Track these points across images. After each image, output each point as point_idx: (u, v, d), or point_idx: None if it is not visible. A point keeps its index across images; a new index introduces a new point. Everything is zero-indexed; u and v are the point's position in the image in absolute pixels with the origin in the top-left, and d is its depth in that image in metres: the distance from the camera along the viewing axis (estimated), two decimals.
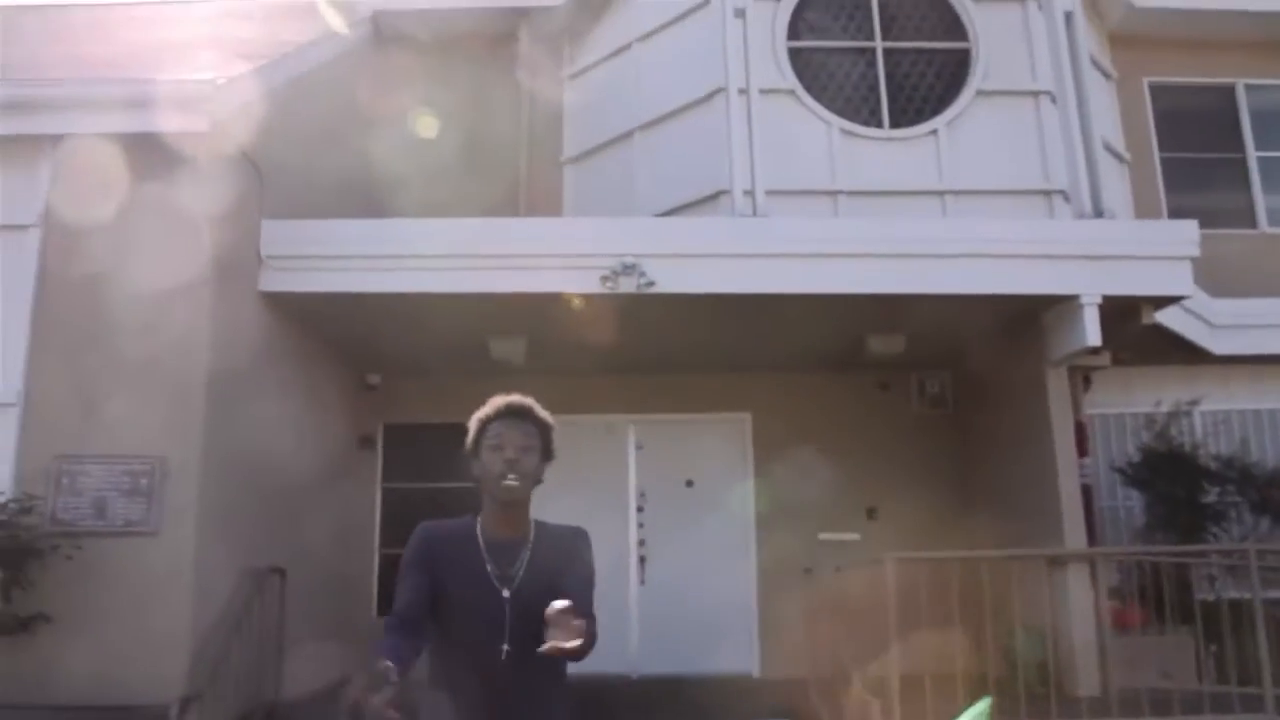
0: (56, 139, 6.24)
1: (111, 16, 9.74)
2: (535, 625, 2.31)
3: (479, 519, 2.65)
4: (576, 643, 2.22)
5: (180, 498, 5.85)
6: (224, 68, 6.65)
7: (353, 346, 8.27)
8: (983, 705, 2.30)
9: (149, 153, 6.12)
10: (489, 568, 2.56)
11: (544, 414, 2.70)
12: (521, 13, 9.58)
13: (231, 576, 6.18)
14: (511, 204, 9.44)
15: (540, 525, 2.70)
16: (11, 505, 5.53)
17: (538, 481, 2.65)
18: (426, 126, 9.35)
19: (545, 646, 2.22)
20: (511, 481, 2.58)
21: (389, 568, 8.96)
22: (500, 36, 9.73)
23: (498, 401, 2.70)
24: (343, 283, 6.89)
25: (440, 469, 9.05)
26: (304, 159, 7.61)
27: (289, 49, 7.47)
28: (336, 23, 8.37)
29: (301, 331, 7.44)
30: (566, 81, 9.76)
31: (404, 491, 9.12)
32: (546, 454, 2.69)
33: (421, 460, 9.11)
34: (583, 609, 2.37)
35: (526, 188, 9.52)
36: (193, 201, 6.18)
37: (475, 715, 2.51)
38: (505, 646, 2.50)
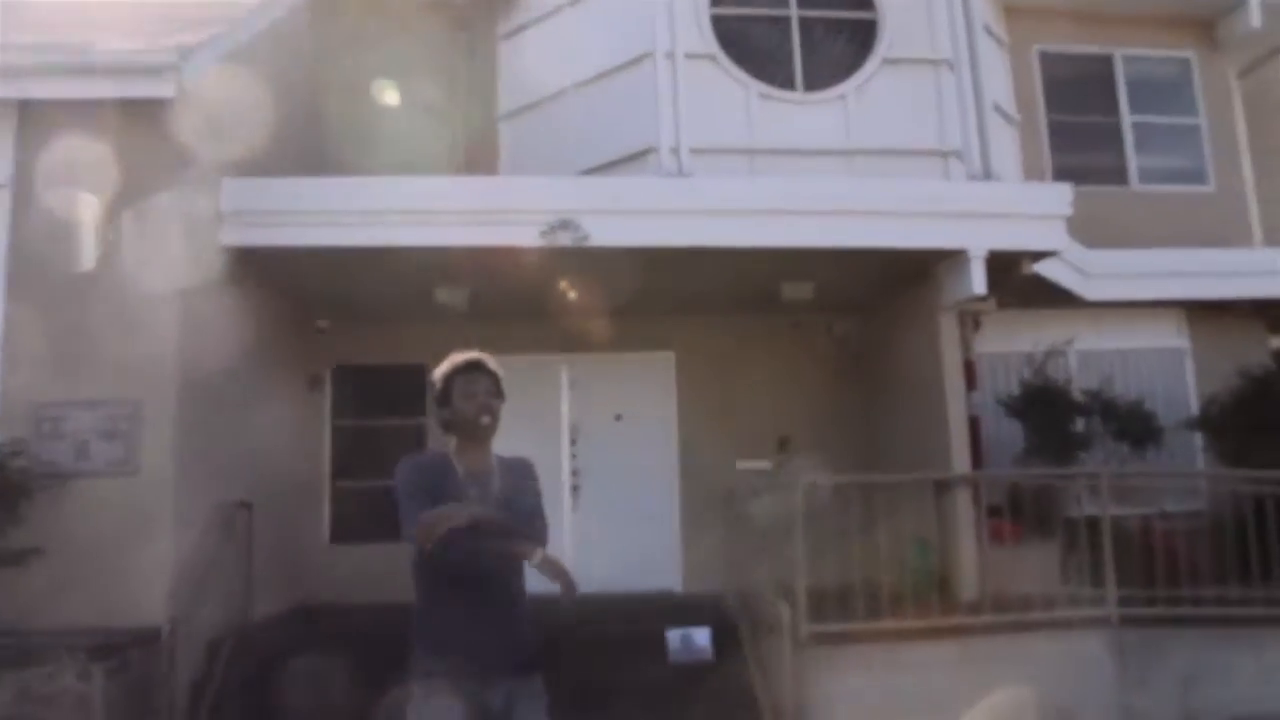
0: (24, 103, 6.44)
1: None
2: (500, 539, 2.99)
3: (451, 454, 3.21)
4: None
5: (157, 439, 6.24)
6: (185, 32, 6.90)
7: (304, 294, 8.62)
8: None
9: (117, 116, 6.38)
10: (471, 491, 3.13)
11: (494, 365, 3.29)
12: None
13: (204, 510, 6.62)
14: (449, 158, 9.79)
15: (499, 457, 3.28)
16: (3, 449, 5.86)
17: (497, 424, 3.24)
18: (371, 84, 9.62)
19: (537, 559, 2.85)
20: (485, 420, 3.18)
21: (339, 499, 9.46)
22: None
23: (460, 358, 3.26)
24: (298, 237, 7.22)
25: (384, 407, 9.59)
26: (258, 117, 7.86)
27: (241, 12, 7.67)
28: None
29: (258, 281, 7.78)
30: (501, 41, 10.08)
31: (351, 428, 9.57)
32: (501, 396, 3.27)
33: (367, 399, 9.57)
34: (538, 517, 3.15)
35: (464, 142, 9.87)
36: (159, 162, 6.47)
37: (464, 616, 3.07)
38: (486, 557, 3.04)
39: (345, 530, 9.40)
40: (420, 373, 9.53)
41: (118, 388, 6.26)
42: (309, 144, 9.20)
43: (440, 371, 3.25)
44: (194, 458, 6.50)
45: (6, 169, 6.46)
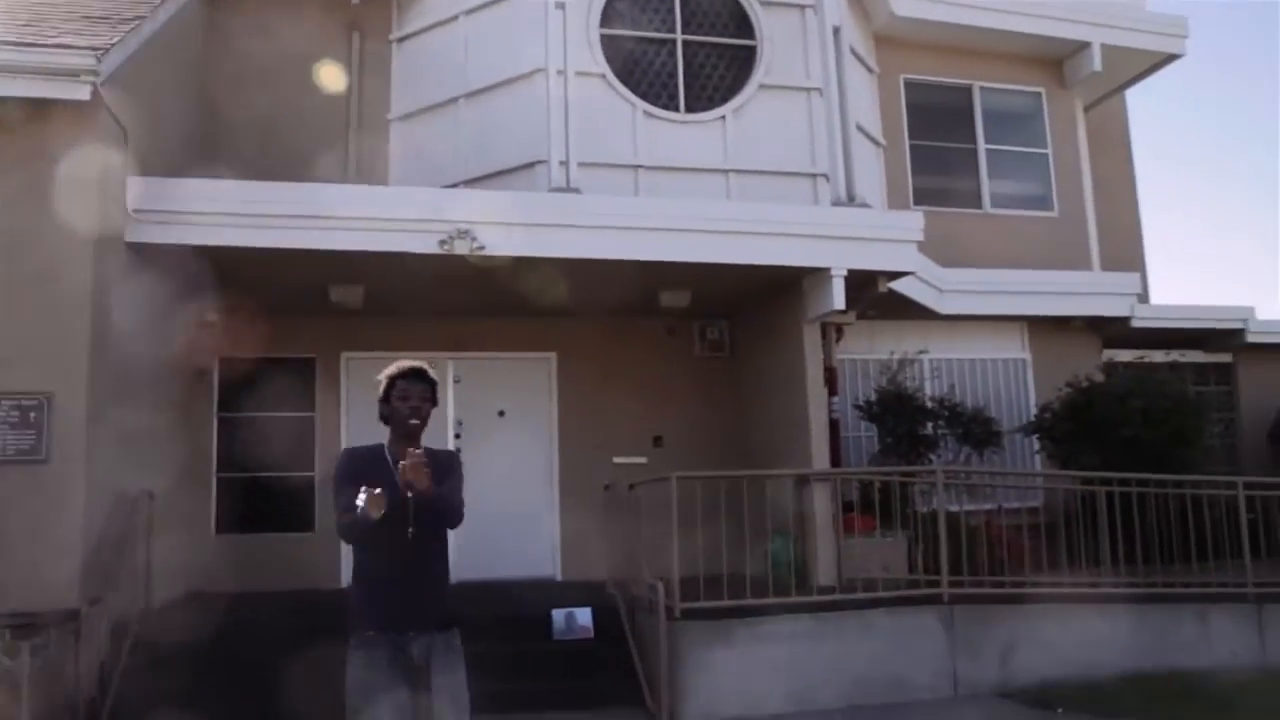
0: None
1: None
2: (427, 514, 3.79)
3: (386, 445, 4.05)
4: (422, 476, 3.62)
5: (67, 429, 6.82)
6: (91, 28, 7.47)
7: (196, 289, 9.18)
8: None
9: (29, 116, 6.93)
10: (397, 478, 3.93)
11: (433, 374, 4.13)
12: None
13: (111, 498, 7.24)
14: (341, 157, 10.49)
15: (428, 449, 4.10)
16: None
17: (426, 422, 4.09)
18: (264, 77, 10.25)
19: (404, 464, 3.62)
20: (415, 422, 3.97)
21: (224, 490, 10.06)
22: None
23: (403, 365, 4.09)
24: (200, 236, 7.84)
25: (273, 399, 10.22)
26: (155, 115, 8.45)
27: (151, 9, 8.25)
28: None
29: (155, 277, 8.37)
30: (395, 45, 10.84)
31: (238, 420, 10.17)
32: (434, 401, 4.12)
33: (255, 391, 10.16)
34: (456, 495, 3.91)
35: (356, 142, 10.57)
36: (70, 161, 7.01)
37: (392, 581, 3.87)
38: (411, 529, 3.83)
39: (230, 521, 10.01)
40: (310, 366, 10.30)
41: (29, 379, 6.82)
42: (205, 135, 9.78)
43: (385, 373, 4.07)
44: (99, 447, 7.09)
45: None
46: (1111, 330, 12.24)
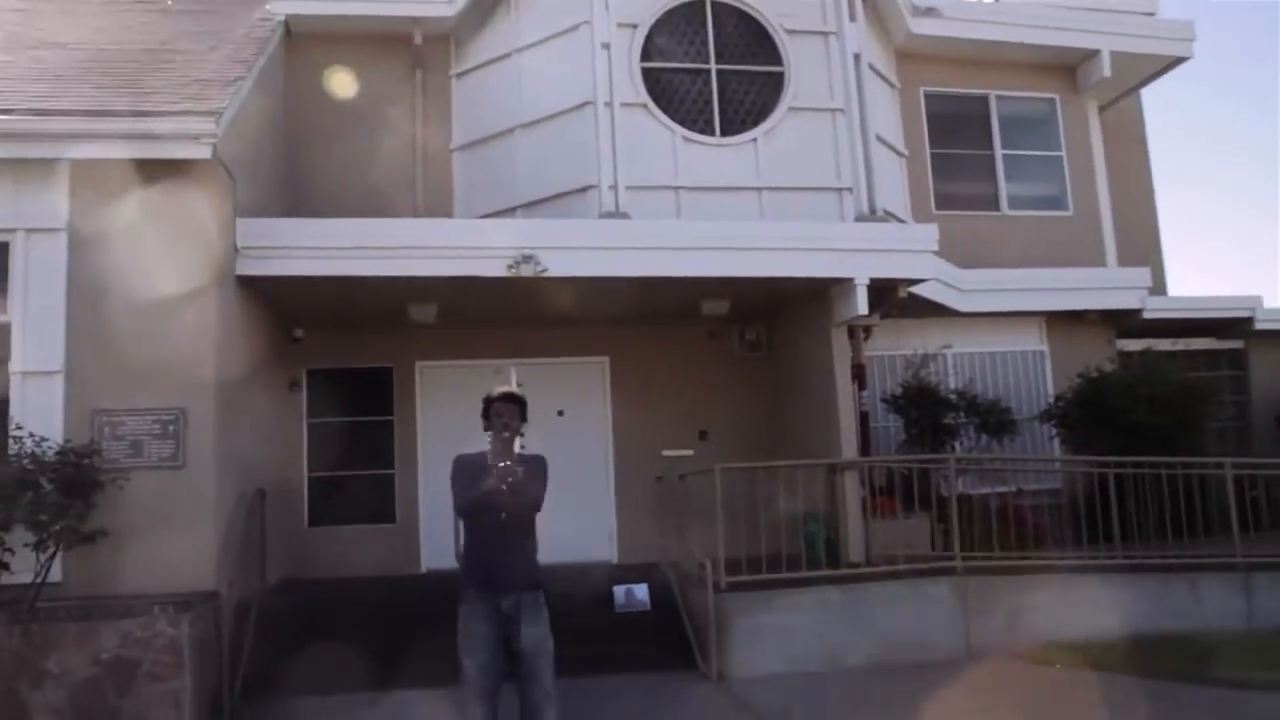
0: (76, 160, 8.23)
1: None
2: (518, 505, 4.99)
3: (487, 451, 5.17)
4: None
5: (199, 438, 8.12)
6: (203, 91, 8.78)
7: (287, 308, 10.52)
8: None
9: (155, 170, 8.21)
10: (494, 476, 5.03)
11: (521, 394, 5.35)
12: (416, 20, 11.77)
13: (233, 497, 8.56)
14: (410, 184, 11.78)
15: (520, 454, 5.32)
16: (79, 449, 7.72)
17: (519, 433, 5.27)
18: (336, 115, 11.56)
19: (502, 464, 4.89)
20: (505, 434, 5.13)
21: (316, 487, 11.42)
22: (397, 37, 11.90)
23: (500, 389, 5.34)
24: (295, 267, 9.06)
25: (355, 406, 11.57)
26: (253, 159, 9.75)
27: (244, 63, 9.56)
28: (276, 45, 10.42)
29: (257, 302, 9.70)
30: (454, 80, 12.10)
31: (325, 425, 11.51)
32: (523, 417, 5.33)
33: (340, 399, 11.52)
34: (536, 490, 5.07)
35: (422, 171, 11.85)
36: (192, 209, 8.33)
37: (489, 554, 5.11)
38: (503, 515, 5.06)
39: (320, 514, 11.38)
40: (388, 374, 11.62)
41: (166, 397, 8.15)
42: (289, 170, 11.10)
43: (488, 395, 5.33)
44: (225, 453, 8.40)
45: (62, 215, 8.22)
46: (1125, 321, 13.21)
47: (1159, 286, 13.72)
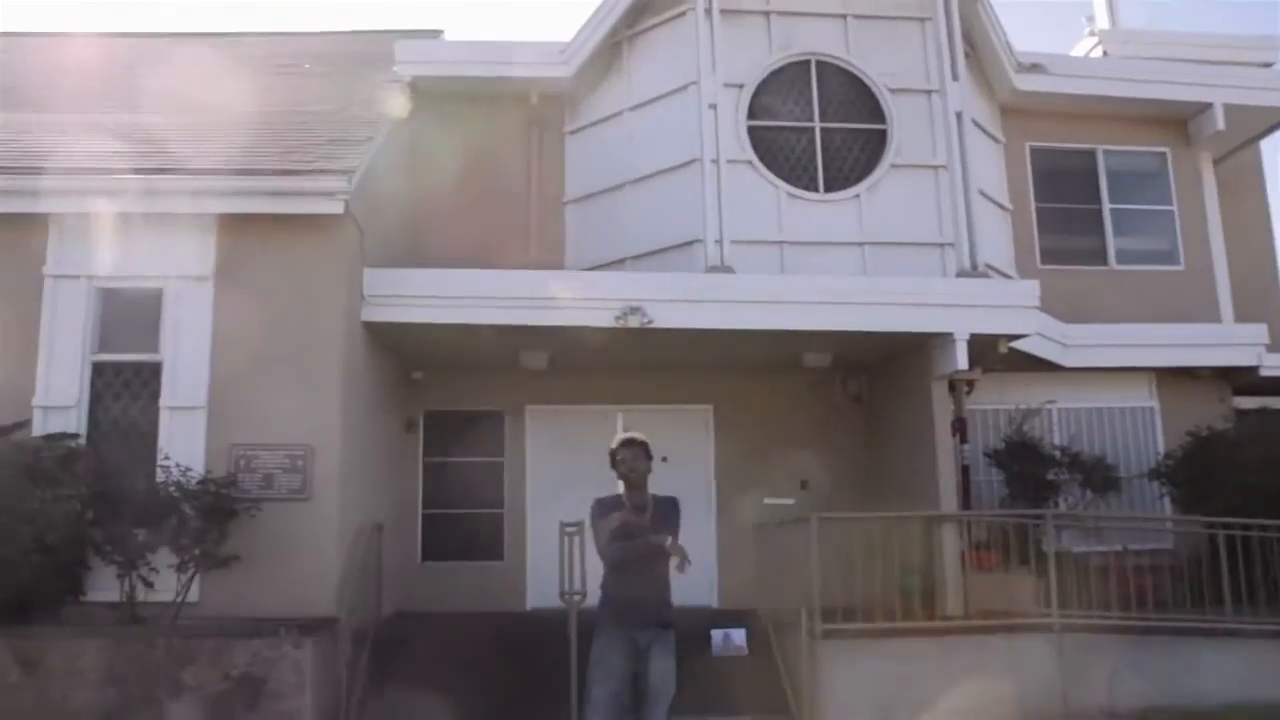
0: (223, 214, 9.03)
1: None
2: (651, 547, 5.45)
3: (622, 493, 5.70)
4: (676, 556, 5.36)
5: (325, 474, 8.76)
6: (336, 150, 9.52)
7: (407, 352, 11.18)
8: None
9: (292, 223, 8.95)
10: (631, 515, 5.57)
11: (643, 439, 5.78)
12: (533, 81, 12.45)
13: (354, 529, 9.15)
14: (524, 235, 12.40)
15: (654, 495, 5.75)
16: (219, 480, 8.41)
17: (647, 473, 5.72)
18: (455, 169, 12.27)
19: (668, 544, 5.33)
20: (632, 477, 5.66)
21: (429, 524, 12.01)
22: (515, 97, 12.59)
23: (622, 435, 5.80)
24: (417, 315, 9.72)
25: (468, 447, 12.16)
26: (379, 211, 10.46)
27: (372, 123, 10.31)
28: (402, 106, 11.20)
29: (380, 346, 10.36)
30: (568, 135, 12.73)
31: (440, 465, 12.13)
32: (648, 455, 5.76)
33: (454, 440, 12.13)
34: (671, 529, 5.53)
35: (536, 223, 12.47)
36: (325, 260, 9.06)
37: (622, 591, 5.54)
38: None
39: (433, 550, 11.96)
40: (500, 417, 12.18)
41: (296, 434, 8.81)
42: (412, 222, 11.83)
43: (612, 442, 5.79)
44: (348, 488, 9.02)
45: (210, 265, 9.03)
46: (1241, 378, 12.98)
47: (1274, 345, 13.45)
